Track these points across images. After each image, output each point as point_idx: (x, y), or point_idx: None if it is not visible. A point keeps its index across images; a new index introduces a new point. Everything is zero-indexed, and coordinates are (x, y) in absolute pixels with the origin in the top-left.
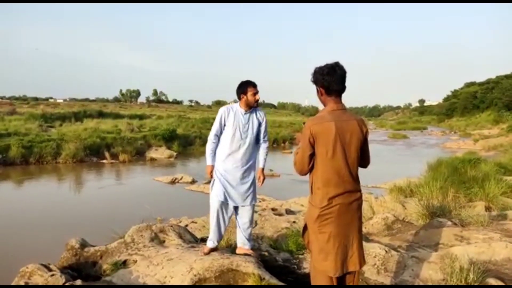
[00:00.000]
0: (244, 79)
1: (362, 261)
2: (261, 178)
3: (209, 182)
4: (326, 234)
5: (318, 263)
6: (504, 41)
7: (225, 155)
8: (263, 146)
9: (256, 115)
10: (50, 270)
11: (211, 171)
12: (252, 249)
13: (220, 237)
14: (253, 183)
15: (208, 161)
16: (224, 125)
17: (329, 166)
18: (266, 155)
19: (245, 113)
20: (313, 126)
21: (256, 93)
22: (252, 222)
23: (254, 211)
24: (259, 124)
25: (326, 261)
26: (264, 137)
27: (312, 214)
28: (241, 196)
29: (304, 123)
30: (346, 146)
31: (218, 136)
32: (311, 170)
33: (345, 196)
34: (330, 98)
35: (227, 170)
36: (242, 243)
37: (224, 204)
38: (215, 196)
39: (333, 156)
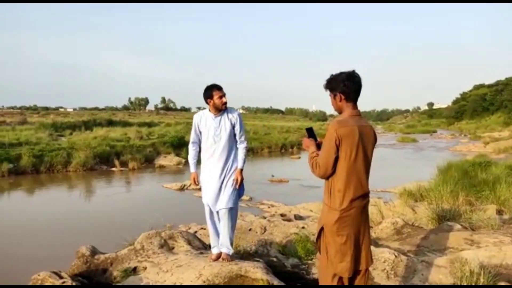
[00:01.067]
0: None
1: (369, 260)
2: (238, 179)
3: (199, 189)
4: (344, 236)
5: (334, 265)
6: None
7: (204, 160)
8: (241, 147)
9: (228, 117)
10: (61, 277)
11: (194, 178)
12: (228, 254)
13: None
14: (232, 186)
15: (191, 169)
16: (200, 132)
17: (351, 169)
18: (245, 155)
19: (215, 117)
20: (339, 129)
21: (222, 95)
22: (229, 226)
23: (233, 215)
24: (233, 126)
25: (342, 262)
26: (240, 138)
27: (330, 217)
28: (216, 199)
29: (306, 129)
30: (365, 150)
31: (196, 143)
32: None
33: (362, 199)
34: (349, 104)
35: (207, 175)
36: (220, 245)
37: (211, 208)
38: (204, 202)
39: (355, 159)
